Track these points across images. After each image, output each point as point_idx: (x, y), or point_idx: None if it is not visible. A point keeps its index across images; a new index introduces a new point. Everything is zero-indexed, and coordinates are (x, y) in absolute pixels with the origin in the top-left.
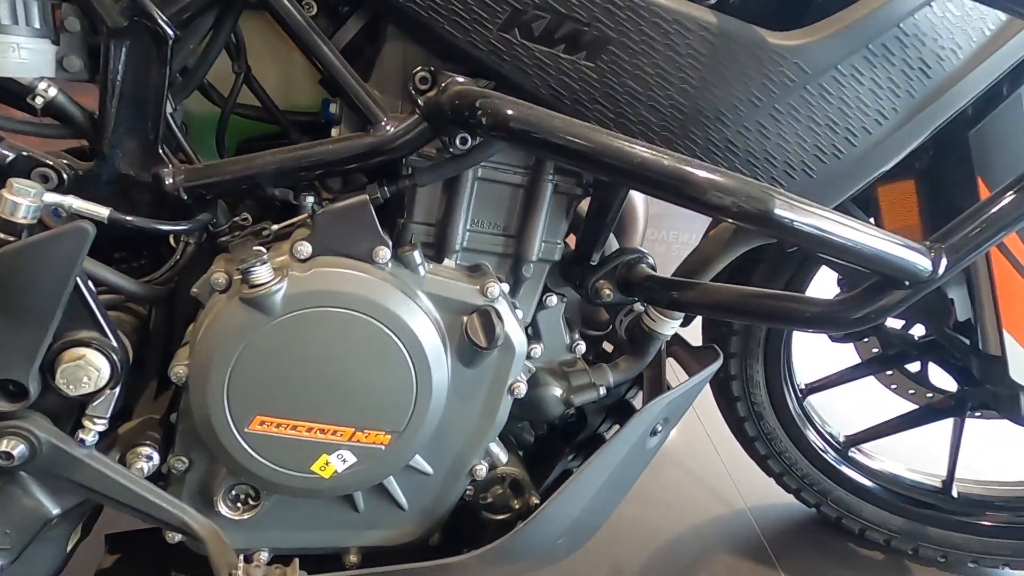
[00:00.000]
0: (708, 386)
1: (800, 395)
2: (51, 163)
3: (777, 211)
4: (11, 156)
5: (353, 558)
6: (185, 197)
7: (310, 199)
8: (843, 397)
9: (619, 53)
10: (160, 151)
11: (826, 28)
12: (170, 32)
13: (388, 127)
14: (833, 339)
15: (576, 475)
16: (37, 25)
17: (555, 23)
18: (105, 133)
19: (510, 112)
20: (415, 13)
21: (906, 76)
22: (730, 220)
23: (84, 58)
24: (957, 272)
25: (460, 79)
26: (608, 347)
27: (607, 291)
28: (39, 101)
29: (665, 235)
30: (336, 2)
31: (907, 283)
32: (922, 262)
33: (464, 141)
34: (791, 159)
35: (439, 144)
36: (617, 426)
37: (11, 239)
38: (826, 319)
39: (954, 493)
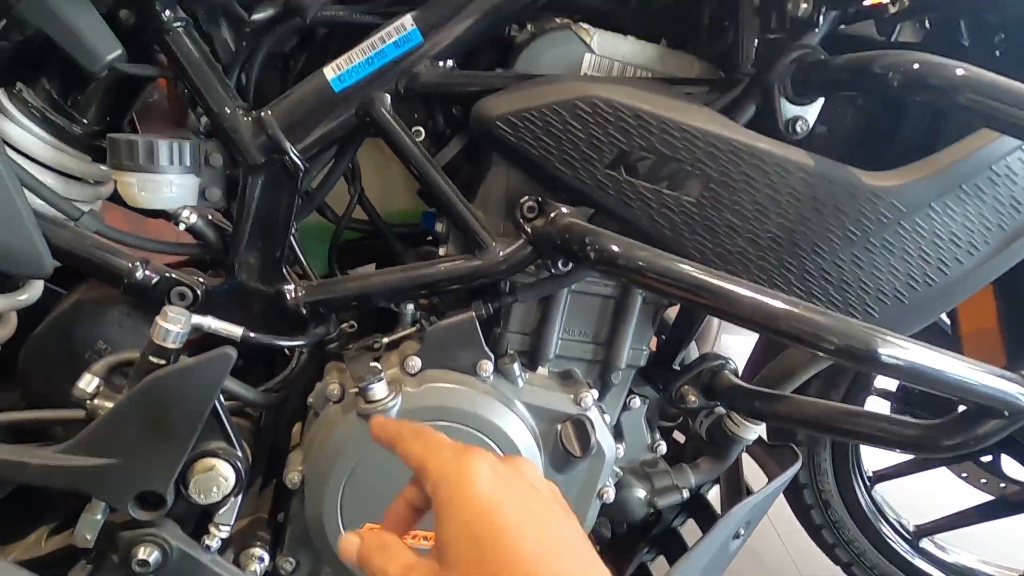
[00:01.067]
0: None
1: (869, 483)
2: (188, 282)
3: (880, 351)
4: (156, 278)
5: None
6: (304, 312)
7: (410, 307)
8: (913, 484)
9: (720, 190)
10: (283, 269)
11: (921, 170)
12: (301, 166)
13: (496, 251)
14: None
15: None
16: (188, 163)
17: (660, 163)
18: (235, 253)
19: (617, 250)
20: (526, 151)
21: (997, 212)
22: (833, 359)
23: (223, 188)
24: None
25: (566, 210)
26: (679, 436)
27: (692, 397)
28: (182, 226)
29: None
30: (441, 126)
31: (1006, 413)
32: (1021, 395)
33: (566, 264)
34: (884, 287)
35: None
36: (691, 520)
37: (162, 362)
38: (922, 444)
39: None
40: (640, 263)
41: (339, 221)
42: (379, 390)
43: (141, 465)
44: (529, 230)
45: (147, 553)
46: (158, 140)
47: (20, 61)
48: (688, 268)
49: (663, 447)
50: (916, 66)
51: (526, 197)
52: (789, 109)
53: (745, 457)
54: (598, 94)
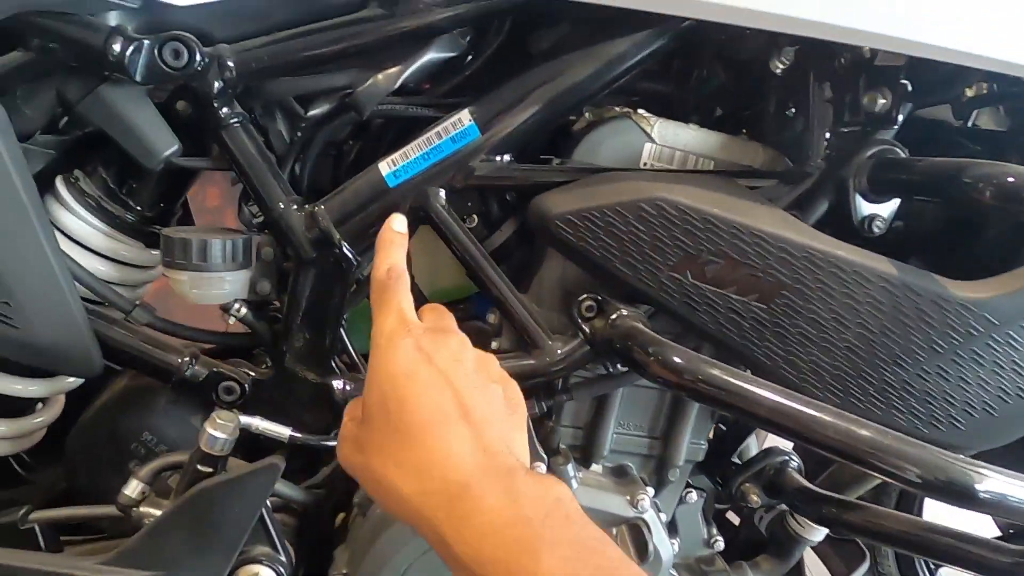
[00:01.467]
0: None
1: (933, 565)
2: (235, 376)
3: (978, 488)
4: (205, 373)
5: None
6: None
7: None
8: None
9: (793, 298)
10: (332, 361)
11: (1016, 282)
12: (353, 260)
13: (552, 350)
14: None
15: None
16: (240, 259)
17: (729, 268)
18: (285, 344)
19: (680, 362)
20: (587, 252)
21: None
22: (924, 494)
23: (273, 281)
24: None
25: (626, 312)
26: (733, 517)
27: (754, 496)
28: (232, 320)
29: None
30: (495, 213)
31: None
32: None
33: (624, 364)
34: (971, 399)
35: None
36: None
37: (209, 470)
38: (1018, 573)
39: None
40: (708, 381)
41: None
42: None
43: None
44: (588, 330)
45: None
46: (211, 239)
47: (78, 149)
48: (762, 390)
49: (720, 544)
50: (1011, 180)
51: (584, 296)
52: (864, 207)
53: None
54: (664, 196)
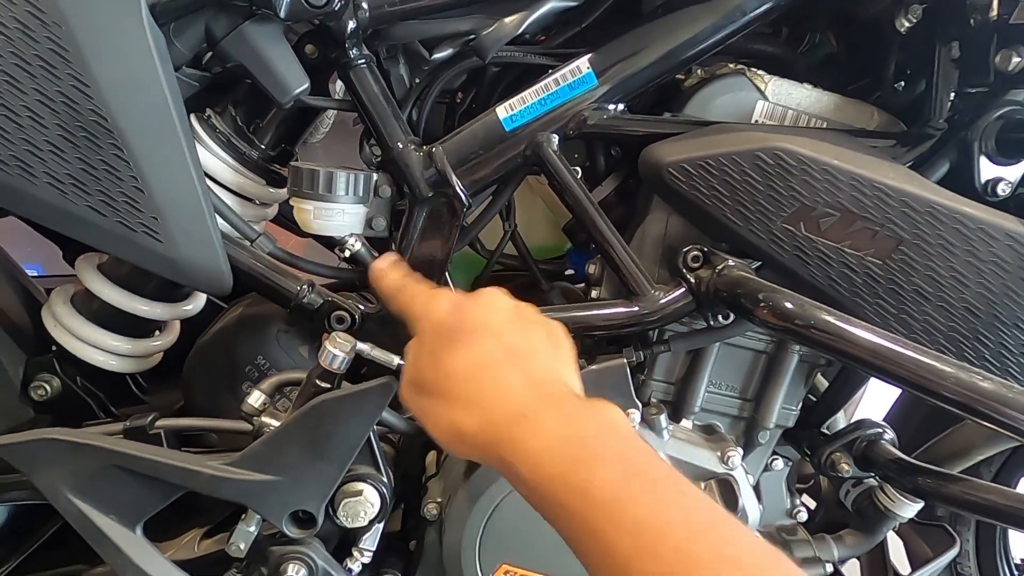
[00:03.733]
0: (897, 538)
1: (1016, 572)
2: (347, 307)
3: None
4: (320, 302)
5: None
6: None
7: None
8: None
9: (911, 254)
10: None
11: None
12: (466, 201)
13: (655, 299)
14: None
15: None
16: (361, 194)
17: (845, 221)
18: None
19: (791, 307)
20: (698, 200)
21: None
22: None
23: (387, 219)
24: None
25: (732, 262)
26: (808, 501)
27: (845, 465)
28: (346, 253)
29: None
30: (600, 166)
31: None
32: None
33: (726, 316)
34: None
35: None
36: None
37: (327, 386)
38: None
39: None
40: (821, 327)
41: (491, 255)
42: None
43: (299, 484)
44: (693, 280)
45: (295, 570)
46: (337, 171)
47: (211, 89)
48: (877, 337)
49: (803, 514)
50: None
51: (690, 247)
52: (989, 169)
53: (890, 534)
54: (783, 145)
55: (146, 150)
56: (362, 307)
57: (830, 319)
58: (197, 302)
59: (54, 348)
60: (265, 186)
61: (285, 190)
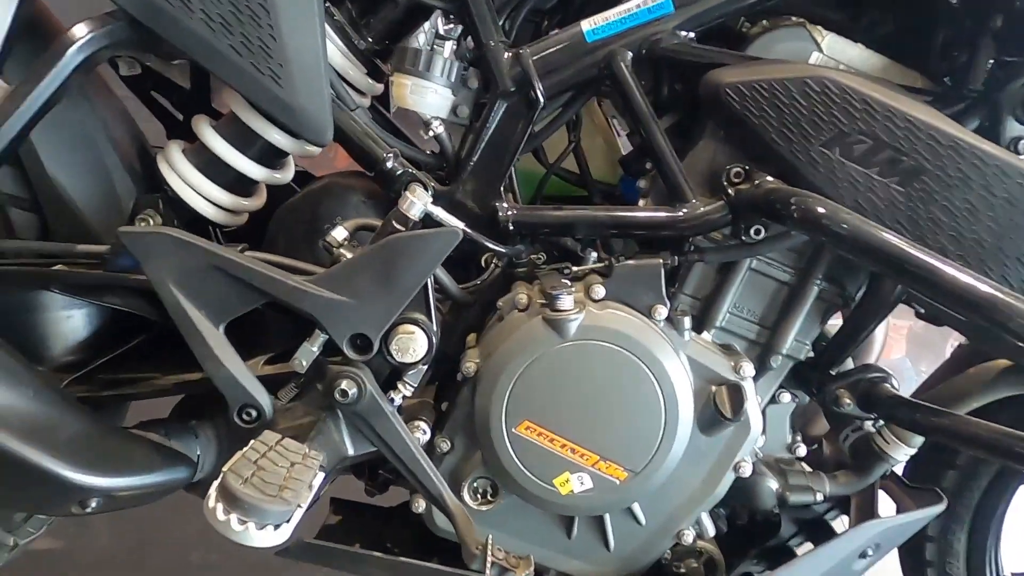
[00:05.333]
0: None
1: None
2: (423, 180)
3: None
4: (401, 170)
5: None
6: (511, 229)
7: (593, 255)
8: None
9: (931, 184)
10: (500, 190)
11: None
12: (541, 100)
13: (696, 207)
14: None
15: (777, 573)
16: (452, 79)
17: (876, 149)
18: (465, 167)
19: (822, 211)
20: (747, 119)
21: None
22: None
23: (470, 109)
24: None
25: (771, 180)
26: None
27: (847, 400)
28: (430, 133)
29: None
30: (663, 96)
31: None
32: None
33: (758, 232)
34: None
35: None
36: (809, 543)
37: (401, 229)
38: None
39: None
40: (848, 225)
41: (551, 165)
42: (567, 302)
43: (364, 309)
44: (732, 194)
45: (348, 386)
46: (436, 55)
47: None
48: (897, 239)
49: (802, 450)
50: None
51: (734, 164)
52: (1015, 128)
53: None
54: (830, 76)
55: (285, 7)
56: (435, 183)
57: (854, 219)
58: (288, 172)
59: (162, 192)
60: (366, 75)
61: (381, 85)
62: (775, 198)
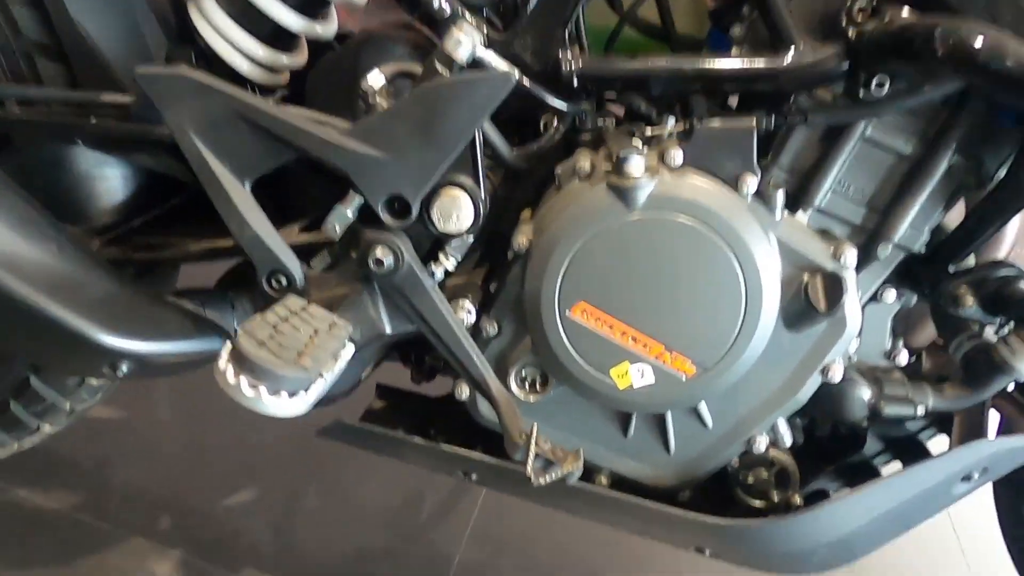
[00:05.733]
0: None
1: None
2: (475, 25)
3: None
4: (449, 11)
5: (603, 479)
6: (575, 83)
7: (672, 121)
8: None
9: None
10: (564, 40)
11: None
12: None
13: (804, 54)
14: None
15: (865, 488)
16: None
17: None
18: (526, 14)
19: (982, 41)
20: None
21: None
22: None
23: None
24: None
25: (907, 11)
26: None
27: (969, 300)
28: None
29: None
30: None
31: None
32: None
33: (881, 85)
34: None
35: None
36: (896, 463)
37: (445, 71)
38: None
39: None
40: (1012, 61)
41: (625, 12)
42: (636, 166)
43: (402, 165)
44: (852, 36)
45: (383, 254)
46: None
47: None
48: None
49: (903, 357)
50: None
51: None
52: None
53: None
54: None
55: None
56: (488, 32)
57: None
58: (331, 25)
59: (194, 43)
60: None
61: None
62: (913, 34)
